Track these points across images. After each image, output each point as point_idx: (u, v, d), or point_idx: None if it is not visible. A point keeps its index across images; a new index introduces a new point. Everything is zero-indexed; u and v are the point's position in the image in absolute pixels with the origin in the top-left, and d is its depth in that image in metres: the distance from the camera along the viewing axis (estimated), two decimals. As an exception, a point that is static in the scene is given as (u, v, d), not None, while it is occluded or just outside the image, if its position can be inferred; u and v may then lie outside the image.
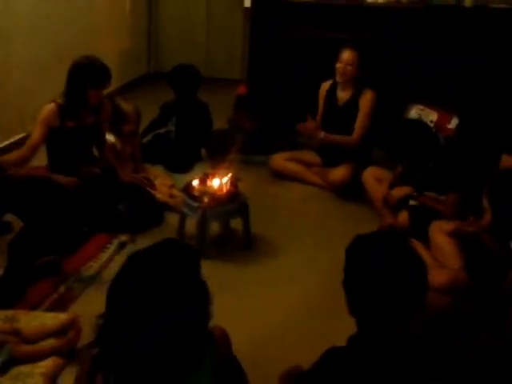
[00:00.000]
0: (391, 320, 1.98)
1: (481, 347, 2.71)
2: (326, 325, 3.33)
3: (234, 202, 4.01)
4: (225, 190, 4.02)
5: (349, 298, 2.07)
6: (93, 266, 3.87)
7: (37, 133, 4.20)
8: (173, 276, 1.88)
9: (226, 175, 4.08)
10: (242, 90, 5.80)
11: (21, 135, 5.53)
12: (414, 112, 5.41)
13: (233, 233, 4.30)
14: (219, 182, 4.03)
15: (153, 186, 4.68)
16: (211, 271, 3.76)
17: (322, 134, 4.91)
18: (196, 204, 3.95)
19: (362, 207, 4.69)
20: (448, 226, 3.85)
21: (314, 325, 3.39)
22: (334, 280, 3.47)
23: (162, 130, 5.27)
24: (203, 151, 5.36)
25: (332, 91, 5.03)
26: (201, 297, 1.94)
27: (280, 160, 5.24)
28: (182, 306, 1.85)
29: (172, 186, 4.79)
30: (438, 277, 3.30)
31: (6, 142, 5.38)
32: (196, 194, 3.99)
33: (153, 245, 2.00)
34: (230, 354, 2.14)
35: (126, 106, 4.67)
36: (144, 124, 5.21)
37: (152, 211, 4.41)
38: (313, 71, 5.72)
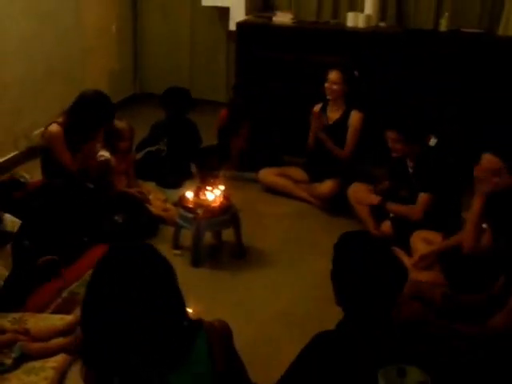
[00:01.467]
0: (372, 308, 2.25)
1: (467, 336, 2.93)
2: (315, 326, 3.50)
3: (226, 213, 4.25)
4: (218, 202, 4.25)
5: (336, 289, 2.35)
6: (93, 274, 4.05)
7: (67, 159, 4.43)
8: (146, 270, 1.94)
9: (219, 188, 4.30)
10: (222, 117, 5.91)
11: (13, 153, 5.71)
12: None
13: (225, 243, 4.52)
14: (212, 195, 4.26)
15: (147, 200, 4.90)
16: (206, 279, 4.07)
17: (323, 135, 5.15)
18: (191, 215, 4.18)
19: (348, 220, 4.89)
20: (429, 234, 4.11)
21: (302, 331, 3.51)
22: (322, 287, 3.74)
23: (153, 148, 5.51)
24: (193, 167, 5.59)
25: (323, 111, 5.29)
26: (171, 284, 2.00)
27: (269, 175, 5.48)
28: (157, 299, 1.91)
29: (165, 201, 5.02)
30: (418, 276, 3.61)
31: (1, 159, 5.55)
32: (190, 206, 4.22)
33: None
34: (230, 346, 2.15)
35: (121, 124, 4.90)
36: (134, 142, 5.44)
37: (147, 223, 4.62)
38: (297, 91, 5.99)
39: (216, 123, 5.95)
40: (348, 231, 2.51)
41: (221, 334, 2.11)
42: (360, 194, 4.76)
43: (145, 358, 1.90)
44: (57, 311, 3.65)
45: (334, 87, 5.10)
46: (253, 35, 6.27)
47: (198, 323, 2.07)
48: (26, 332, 3.23)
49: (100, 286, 1.90)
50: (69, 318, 3.36)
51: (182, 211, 4.25)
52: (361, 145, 5.22)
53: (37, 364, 3.08)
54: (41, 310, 3.63)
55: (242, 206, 4.77)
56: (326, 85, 5.14)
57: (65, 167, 4.45)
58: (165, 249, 4.09)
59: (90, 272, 3.68)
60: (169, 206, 4.91)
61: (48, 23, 6.00)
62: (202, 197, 4.28)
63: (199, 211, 4.17)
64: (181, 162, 5.51)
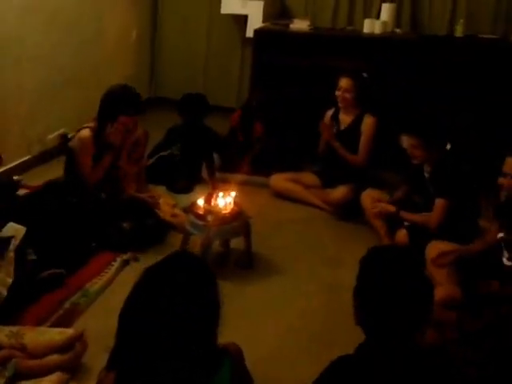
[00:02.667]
0: (397, 331, 1.96)
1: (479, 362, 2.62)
2: (325, 346, 3.16)
3: (237, 220, 3.88)
4: (229, 209, 3.89)
5: (359, 307, 2.04)
6: (98, 283, 3.72)
7: (87, 167, 4.11)
8: (188, 292, 1.88)
9: (230, 194, 3.95)
10: (235, 118, 5.68)
11: (26, 157, 5.37)
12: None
13: (233, 251, 4.15)
14: (223, 201, 3.90)
15: (157, 205, 4.54)
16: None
17: (335, 143, 4.79)
18: (201, 222, 3.82)
19: (361, 228, 4.55)
20: (445, 245, 3.74)
21: (314, 347, 3.23)
22: (334, 299, 3.36)
23: (166, 153, 5.14)
24: (204, 172, 5.22)
25: (335, 116, 4.95)
26: (213, 311, 1.95)
27: (280, 180, 5.12)
28: (195, 322, 1.86)
29: (174, 206, 4.66)
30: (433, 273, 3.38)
31: (12, 165, 5.20)
32: (201, 212, 3.85)
33: (167, 259, 2.00)
34: (244, 368, 2.13)
35: (137, 130, 4.54)
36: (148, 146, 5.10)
37: (155, 229, 4.27)
38: (312, 96, 5.64)
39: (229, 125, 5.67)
40: (376, 246, 2.22)
41: (237, 360, 2.07)
42: (374, 200, 4.37)
43: (172, 374, 1.83)
44: (57, 324, 3.30)
45: (346, 95, 4.76)
46: (270, 42, 6.01)
47: (224, 350, 2.01)
48: (23, 348, 2.87)
49: (142, 298, 1.88)
50: (69, 333, 3.00)
51: (192, 218, 3.89)
52: (374, 150, 4.85)
53: (30, 383, 2.71)
54: (40, 322, 3.30)
55: (251, 211, 4.38)
56: (338, 93, 4.81)
57: (81, 175, 4.12)
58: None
59: (92, 281, 3.45)
60: (178, 211, 4.55)
61: (70, 32, 5.70)
62: (213, 203, 3.91)
63: (210, 218, 3.81)
64: (193, 167, 5.13)
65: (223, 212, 3.87)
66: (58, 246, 3.79)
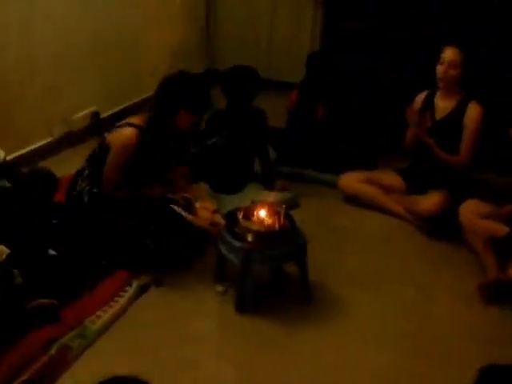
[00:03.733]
0: None
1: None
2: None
3: (288, 242, 2.97)
4: (277, 226, 2.99)
5: None
6: (102, 317, 2.90)
7: (115, 173, 3.29)
8: None
9: (280, 205, 3.07)
10: (292, 99, 4.76)
11: (47, 140, 4.62)
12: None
13: (285, 280, 3.24)
14: (270, 215, 3.01)
15: (192, 209, 3.70)
16: (252, 331, 2.81)
17: (428, 139, 3.84)
18: (238, 243, 2.93)
19: (457, 249, 3.60)
20: None
21: None
22: (421, 357, 2.72)
23: (210, 142, 4.27)
24: (257, 166, 4.33)
25: (429, 102, 3.93)
26: None
27: (352, 181, 4.17)
28: None
29: (215, 212, 3.78)
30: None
31: (30, 148, 4.47)
32: (238, 230, 2.97)
33: None
34: None
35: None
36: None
37: (188, 244, 3.42)
38: (396, 73, 4.68)
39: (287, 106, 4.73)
40: (492, 364, 1.67)
41: None
42: (476, 215, 3.40)
43: None
44: (37, 379, 2.51)
45: (451, 72, 3.72)
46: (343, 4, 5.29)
47: None
48: None
49: None
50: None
51: (226, 235, 3.01)
52: (479, 147, 3.83)
53: None
54: (16, 373, 2.51)
55: (314, 220, 3.74)
56: (440, 67, 3.77)
57: (104, 176, 3.30)
58: (204, 281, 3.18)
59: (95, 315, 2.80)
60: (218, 218, 3.67)
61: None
62: (256, 216, 3.02)
63: (250, 238, 2.91)
64: (243, 160, 4.23)
65: (268, 230, 2.97)
66: (53, 266, 3.02)
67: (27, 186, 3.21)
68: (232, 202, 3.90)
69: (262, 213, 3.00)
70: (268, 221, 2.99)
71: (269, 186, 4.17)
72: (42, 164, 4.34)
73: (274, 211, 3.02)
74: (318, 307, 3.07)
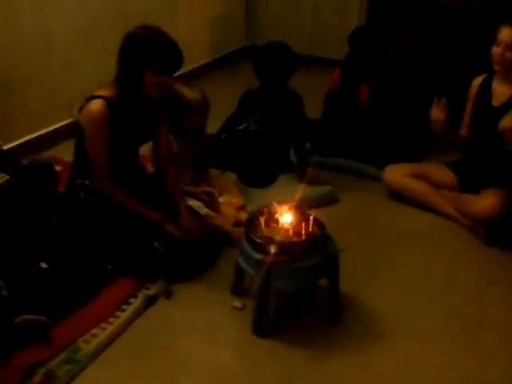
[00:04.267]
0: None
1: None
2: None
3: (318, 254, 2.50)
4: (304, 234, 2.52)
5: None
6: (98, 336, 2.50)
7: (98, 148, 2.79)
8: None
9: (309, 209, 2.61)
10: (333, 80, 4.21)
11: (66, 121, 4.24)
12: None
13: (313, 297, 2.78)
14: (297, 220, 2.54)
15: (215, 206, 3.26)
16: (272, 360, 2.37)
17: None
18: (258, 255, 2.48)
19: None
20: None
21: None
22: None
23: (240, 127, 3.80)
24: (292, 155, 3.85)
25: (485, 87, 3.40)
26: None
27: (398, 174, 3.66)
28: None
29: (241, 208, 3.34)
30: None
31: (47, 129, 4.10)
32: (259, 238, 2.51)
33: None
34: None
35: (190, 94, 3.24)
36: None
37: (206, 249, 2.98)
38: (450, 54, 4.11)
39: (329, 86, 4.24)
40: None
41: None
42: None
43: None
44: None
45: (509, 54, 3.17)
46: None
47: None
48: None
49: None
50: None
51: (244, 244, 2.56)
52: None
53: None
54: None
55: (352, 216, 3.40)
56: (496, 49, 3.21)
57: (92, 172, 2.84)
58: (219, 293, 2.75)
59: (91, 333, 2.47)
60: (244, 216, 3.22)
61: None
62: (280, 223, 2.56)
63: (272, 249, 2.45)
64: (277, 148, 3.75)
65: (294, 240, 2.50)
66: (44, 279, 2.64)
67: (24, 181, 2.80)
68: (262, 196, 3.48)
69: (288, 218, 2.53)
70: (295, 228, 2.51)
71: (304, 178, 3.69)
72: (61, 147, 3.99)
73: (302, 215, 2.56)
74: (349, 328, 2.61)
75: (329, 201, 3.62)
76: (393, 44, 4.16)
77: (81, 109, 2.80)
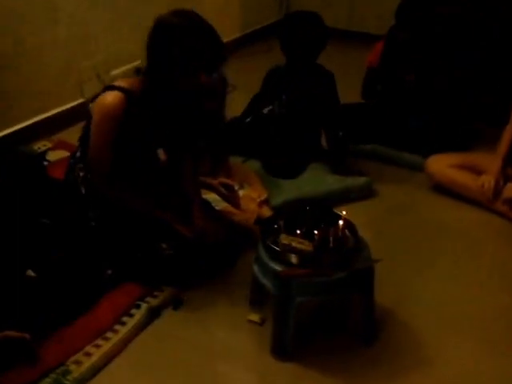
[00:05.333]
0: None
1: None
2: None
3: (346, 266, 2.08)
4: (332, 242, 2.11)
5: None
6: (92, 355, 2.13)
7: (101, 145, 2.39)
8: None
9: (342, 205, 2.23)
10: (375, 53, 3.74)
11: (77, 101, 3.90)
12: None
13: (343, 311, 2.37)
14: (324, 225, 2.13)
15: (235, 200, 2.86)
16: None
17: None
18: (276, 266, 2.07)
19: None
20: None
21: None
22: None
23: (265, 110, 3.37)
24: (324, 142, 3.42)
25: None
26: None
27: (443, 165, 3.22)
28: None
29: (264, 202, 2.93)
30: None
31: (55, 111, 3.75)
32: (278, 246, 2.10)
33: None
34: None
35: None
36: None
37: (222, 250, 2.59)
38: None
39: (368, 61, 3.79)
40: None
41: None
42: None
43: None
44: None
45: None
46: None
47: None
48: None
49: None
50: None
51: (259, 250, 2.15)
52: None
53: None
54: None
55: (390, 211, 3.03)
56: None
57: (91, 166, 2.45)
58: (235, 302, 2.37)
59: (83, 351, 2.11)
60: (267, 212, 2.83)
61: None
62: (302, 226, 2.15)
63: (293, 260, 2.04)
64: (305, 133, 3.33)
65: (321, 248, 2.08)
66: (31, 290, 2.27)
67: (4, 176, 2.43)
68: (289, 189, 3.09)
69: (314, 220, 2.12)
70: (321, 234, 2.09)
71: (338, 167, 3.26)
72: (71, 131, 3.64)
73: (330, 217, 2.15)
74: (386, 349, 2.20)
75: (365, 194, 3.20)
76: (445, 17, 3.66)
77: (95, 98, 2.40)
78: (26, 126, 3.58)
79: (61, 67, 3.72)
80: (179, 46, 2.23)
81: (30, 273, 2.29)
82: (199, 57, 2.26)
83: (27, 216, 2.40)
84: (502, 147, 3.06)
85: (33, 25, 3.48)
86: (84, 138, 2.50)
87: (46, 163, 3.29)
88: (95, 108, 2.37)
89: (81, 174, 2.47)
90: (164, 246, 2.46)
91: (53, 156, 3.44)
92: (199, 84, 2.32)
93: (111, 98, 2.32)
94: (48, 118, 3.70)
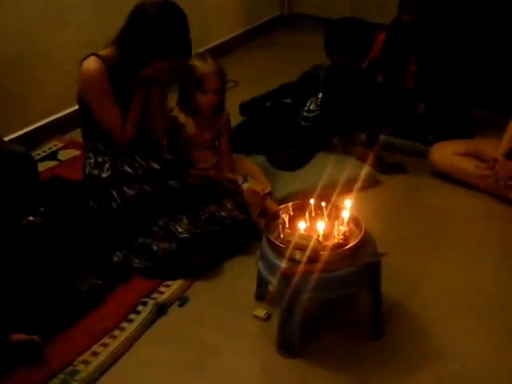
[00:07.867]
0: None
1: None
2: None
3: (353, 261, 2.00)
4: (338, 237, 2.02)
5: None
6: (100, 354, 2.07)
7: (112, 116, 2.50)
8: None
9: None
10: (378, 43, 3.65)
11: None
12: None
13: (350, 306, 2.29)
14: (329, 220, 2.05)
15: (239, 194, 2.79)
16: (304, 382, 1.91)
17: None
18: (280, 263, 1.99)
19: None
20: None
21: None
22: None
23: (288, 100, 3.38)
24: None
25: None
26: None
27: (447, 153, 3.14)
28: None
29: (268, 195, 2.86)
30: None
31: (61, 114, 3.66)
32: (282, 242, 2.02)
33: None
34: None
35: (203, 66, 2.76)
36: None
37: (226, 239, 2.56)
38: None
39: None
40: None
41: None
42: None
43: None
44: None
45: None
46: None
47: None
48: None
49: None
50: None
51: (264, 246, 2.07)
52: None
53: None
54: None
55: (397, 199, 2.97)
56: None
57: (109, 133, 2.52)
58: (242, 296, 2.32)
59: (91, 350, 2.06)
60: (270, 205, 2.75)
61: None
62: (310, 226, 2.07)
63: (297, 256, 1.95)
64: (326, 130, 3.26)
65: (326, 246, 2.00)
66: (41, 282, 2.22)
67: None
68: (293, 180, 3.02)
69: (319, 215, 2.05)
70: (327, 229, 2.01)
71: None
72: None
73: (336, 212, 2.10)
74: (394, 343, 2.12)
75: (370, 182, 3.11)
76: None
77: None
78: (39, 127, 3.51)
79: (67, 74, 3.63)
80: (145, 32, 2.35)
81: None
82: (156, 46, 2.37)
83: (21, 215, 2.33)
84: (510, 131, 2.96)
85: (42, 26, 3.40)
86: (86, 121, 2.55)
87: (57, 163, 3.27)
88: (82, 77, 2.46)
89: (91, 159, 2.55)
90: (180, 229, 2.40)
91: (64, 155, 3.40)
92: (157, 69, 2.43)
93: (92, 61, 2.46)
94: (57, 119, 3.62)
